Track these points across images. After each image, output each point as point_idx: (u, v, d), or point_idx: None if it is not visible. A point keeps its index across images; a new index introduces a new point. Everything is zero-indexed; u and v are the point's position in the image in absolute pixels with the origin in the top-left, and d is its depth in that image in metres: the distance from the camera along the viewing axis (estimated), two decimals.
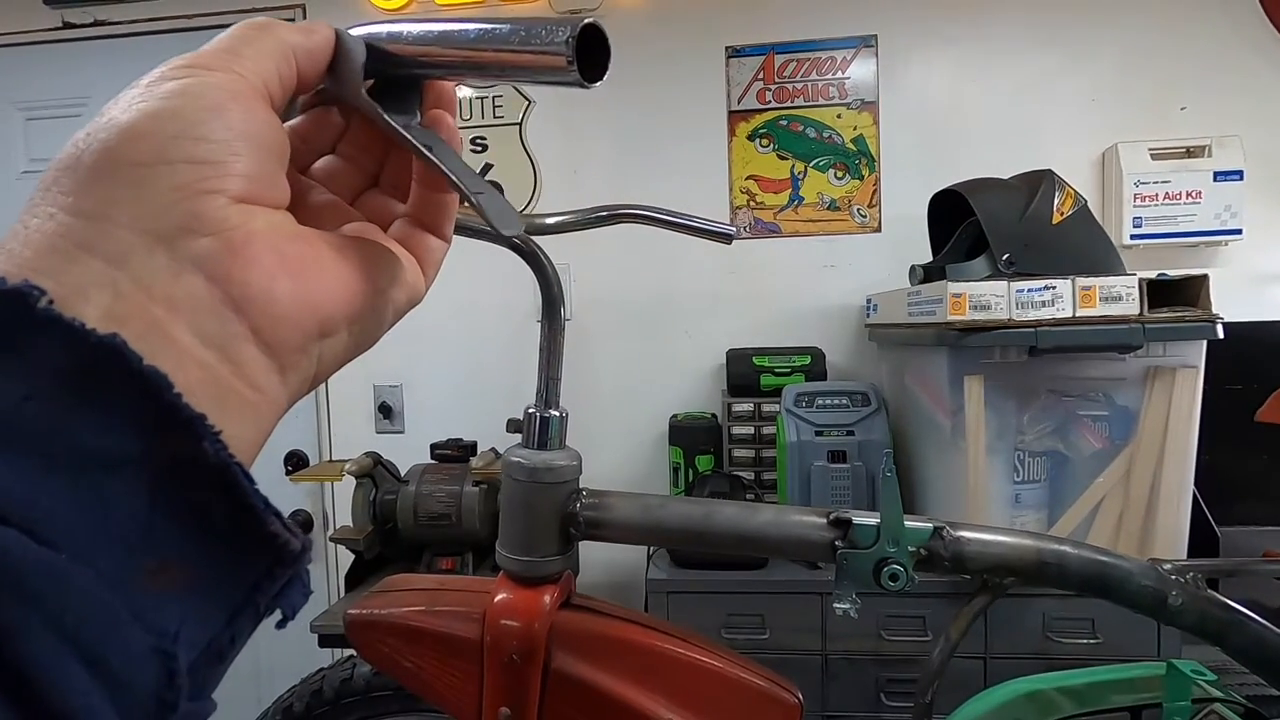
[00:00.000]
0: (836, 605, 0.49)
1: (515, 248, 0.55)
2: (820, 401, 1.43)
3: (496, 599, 0.51)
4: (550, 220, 0.59)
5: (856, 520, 0.49)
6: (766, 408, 1.57)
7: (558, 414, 0.53)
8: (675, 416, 1.63)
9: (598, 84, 0.24)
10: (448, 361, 1.85)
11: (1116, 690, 0.66)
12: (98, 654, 0.16)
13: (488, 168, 1.83)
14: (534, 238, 0.57)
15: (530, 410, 0.53)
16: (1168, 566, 0.54)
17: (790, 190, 1.75)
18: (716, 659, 0.52)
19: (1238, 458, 1.38)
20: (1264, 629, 0.54)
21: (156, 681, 0.17)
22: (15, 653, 0.14)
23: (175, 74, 0.21)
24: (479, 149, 1.83)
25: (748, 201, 1.77)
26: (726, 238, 0.61)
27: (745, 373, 1.60)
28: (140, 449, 0.17)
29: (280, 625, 0.21)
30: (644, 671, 0.50)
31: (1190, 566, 0.55)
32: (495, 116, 1.83)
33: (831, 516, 0.50)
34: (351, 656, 0.64)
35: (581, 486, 0.54)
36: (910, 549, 0.49)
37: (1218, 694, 0.62)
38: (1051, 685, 0.69)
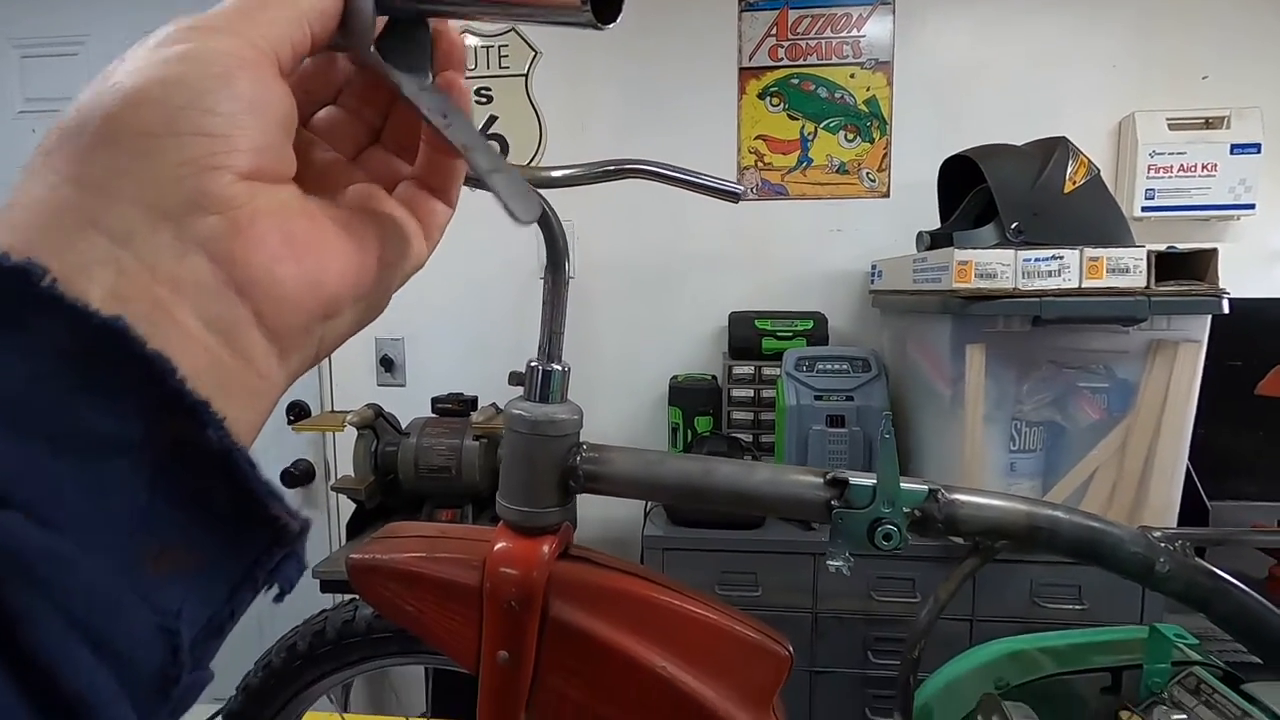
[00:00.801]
0: (830, 562, 0.50)
1: None
2: (821, 366, 1.44)
3: (496, 547, 0.52)
4: (556, 173, 0.58)
5: (853, 480, 0.50)
6: (767, 371, 1.57)
7: (560, 368, 0.53)
8: (675, 378, 1.63)
9: (611, 25, 0.23)
10: (450, 316, 1.85)
11: (1098, 651, 0.68)
12: (104, 637, 0.16)
13: (492, 120, 1.80)
14: (540, 190, 0.56)
15: (533, 363, 0.53)
16: (1157, 534, 0.55)
17: (799, 152, 1.73)
18: (711, 611, 0.53)
19: (1233, 433, 1.38)
20: (1247, 596, 0.55)
21: (161, 659, 0.17)
22: (24, 639, 0.15)
23: (182, 36, 0.20)
24: (484, 100, 1.80)
25: (755, 162, 1.74)
26: (734, 196, 0.60)
27: (747, 335, 1.60)
28: (142, 434, 0.17)
29: (278, 599, 0.21)
30: (640, 621, 0.51)
31: (1179, 534, 0.55)
32: (501, 67, 1.79)
33: (828, 476, 0.51)
34: (354, 599, 0.65)
35: (582, 440, 0.54)
36: (905, 510, 0.49)
37: (1198, 658, 0.63)
38: (1035, 645, 0.71)
